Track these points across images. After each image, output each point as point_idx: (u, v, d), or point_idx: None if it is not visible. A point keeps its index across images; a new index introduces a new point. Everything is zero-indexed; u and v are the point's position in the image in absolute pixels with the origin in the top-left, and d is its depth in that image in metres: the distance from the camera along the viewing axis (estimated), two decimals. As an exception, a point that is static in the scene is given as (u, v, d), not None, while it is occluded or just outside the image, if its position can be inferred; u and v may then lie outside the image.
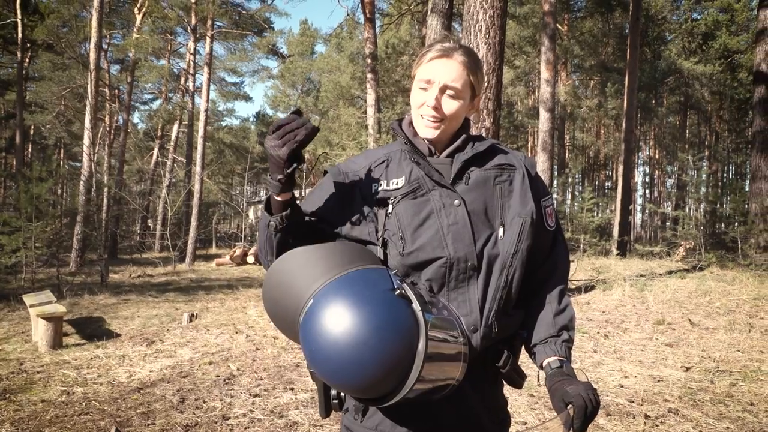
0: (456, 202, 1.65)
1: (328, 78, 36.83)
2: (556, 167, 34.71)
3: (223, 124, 48.62)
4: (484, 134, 7.26)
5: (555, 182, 29.03)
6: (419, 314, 1.45)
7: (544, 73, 16.84)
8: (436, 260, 1.63)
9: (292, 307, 1.52)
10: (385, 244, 1.67)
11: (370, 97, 21.11)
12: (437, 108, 1.69)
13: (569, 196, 39.87)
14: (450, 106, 1.70)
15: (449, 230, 1.63)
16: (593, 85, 36.49)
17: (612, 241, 20.27)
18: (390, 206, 1.67)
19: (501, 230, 1.66)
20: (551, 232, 1.79)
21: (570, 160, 40.69)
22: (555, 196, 29.99)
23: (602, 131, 42.53)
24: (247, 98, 41.28)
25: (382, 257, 1.67)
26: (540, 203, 1.76)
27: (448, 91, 1.70)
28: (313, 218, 1.75)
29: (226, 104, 44.56)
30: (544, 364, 1.68)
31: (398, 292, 1.46)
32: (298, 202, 1.75)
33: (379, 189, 1.70)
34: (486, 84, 7.33)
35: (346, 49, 34.30)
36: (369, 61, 21.36)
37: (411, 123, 1.80)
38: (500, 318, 1.65)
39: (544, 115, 16.64)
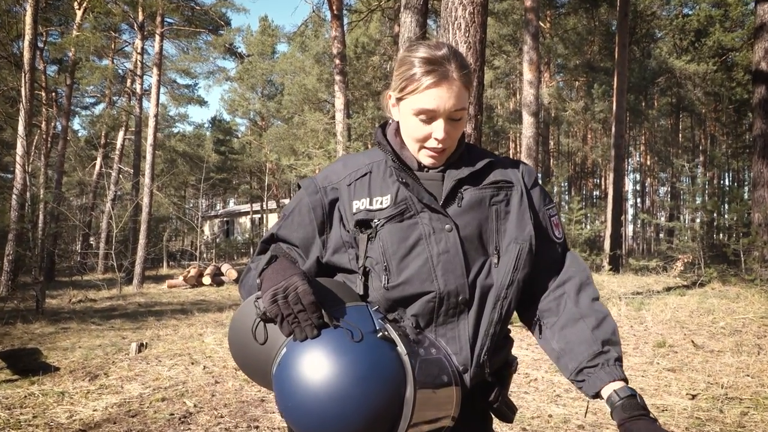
0: (447, 227, 1.63)
1: (292, 80, 36.84)
2: (540, 175, 35.04)
3: (175, 130, 48.48)
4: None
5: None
6: (405, 358, 1.45)
7: (527, 74, 16.99)
8: (424, 295, 1.61)
9: (263, 355, 1.51)
10: (366, 274, 1.66)
11: (339, 101, 21.12)
12: (445, 139, 1.65)
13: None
14: (457, 131, 1.68)
15: (439, 260, 1.61)
16: (579, 87, 37.04)
17: (603, 255, 20.48)
18: (373, 229, 1.65)
19: (496, 257, 1.66)
20: (559, 243, 1.78)
21: (555, 168, 41.23)
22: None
23: (589, 136, 43.16)
24: (202, 102, 41.11)
25: (361, 289, 1.66)
26: (544, 213, 1.77)
27: (454, 116, 1.65)
28: (291, 247, 1.75)
29: (177, 109, 44.17)
30: (606, 393, 1.59)
31: (381, 334, 1.46)
32: (273, 231, 1.80)
33: (361, 208, 1.68)
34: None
35: (311, 48, 34.32)
36: (337, 61, 21.38)
37: (397, 131, 1.78)
38: (491, 354, 1.66)
39: (527, 120, 16.77)
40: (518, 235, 1.67)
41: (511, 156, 40.65)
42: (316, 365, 1.39)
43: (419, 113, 1.64)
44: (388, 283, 1.62)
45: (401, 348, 1.45)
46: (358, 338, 1.43)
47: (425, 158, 1.70)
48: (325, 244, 1.72)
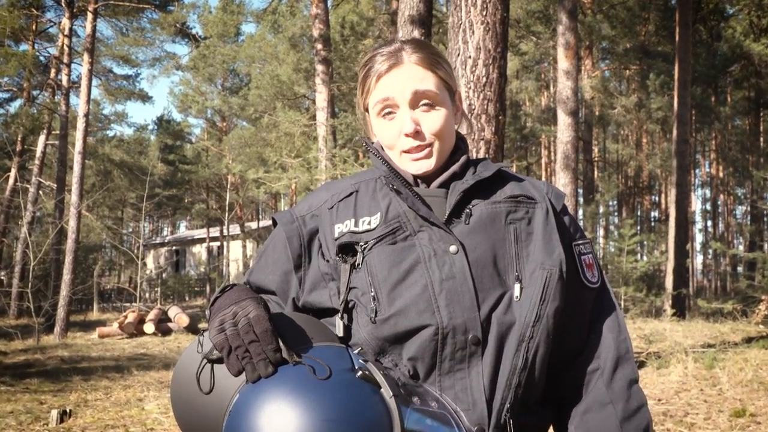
0: (452, 248, 1.65)
1: (262, 70, 36.99)
2: (581, 192, 35.11)
3: (111, 134, 48.65)
4: (482, 149, 7.25)
5: (581, 213, 29.31)
6: (391, 402, 1.44)
7: (563, 62, 17.09)
8: (423, 329, 1.61)
9: (213, 410, 1.50)
10: (349, 311, 1.69)
11: (321, 97, 21.23)
12: (418, 131, 1.73)
13: (601, 233, 40.30)
14: (431, 120, 1.75)
15: (442, 287, 1.62)
16: (630, 77, 37.24)
17: (665, 295, 20.48)
18: (359, 255, 1.69)
19: (517, 288, 1.66)
20: (593, 289, 1.79)
21: (601, 182, 41.23)
22: (582, 231, 30.27)
23: (645, 140, 43.40)
24: (146, 98, 41.21)
25: (341, 330, 1.68)
26: (572, 249, 1.78)
27: (422, 103, 1.75)
28: (268, 296, 1.81)
29: (115, 106, 44.30)
30: None
31: (360, 373, 1.47)
32: (246, 278, 1.87)
33: (345, 231, 1.72)
34: (485, 78, 7.35)
35: (285, 29, 34.41)
36: (318, 46, 21.52)
37: (383, 148, 1.85)
38: (519, 415, 1.63)
39: (564, 120, 16.85)
40: (545, 259, 1.68)
41: (542, 166, 40.81)
42: (272, 410, 1.38)
43: (380, 110, 1.76)
44: (376, 315, 1.63)
45: (386, 391, 1.45)
46: (324, 375, 1.43)
47: (410, 164, 1.76)
48: (301, 281, 1.76)
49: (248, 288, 1.67)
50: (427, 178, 1.78)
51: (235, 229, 45.25)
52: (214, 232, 47.69)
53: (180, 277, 45.57)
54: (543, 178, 43.12)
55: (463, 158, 1.78)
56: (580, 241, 1.81)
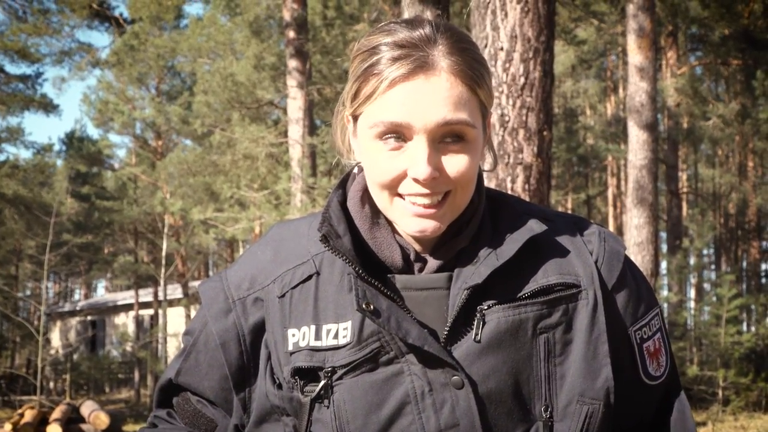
0: (456, 380, 1.62)
1: (211, 67, 37.02)
2: (664, 236, 35.05)
3: (1, 158, 48.55)
4: (520, 177, 7.26)
5: (662, 265, 29.22)
6: None
7: (635, 55, 17.20)
8: None
9: None
10: None
11: (295, 105, 21.33)
12: (436, 179, 1.63)
13: (691, 292, 40.25)
14: (457, 164, 1.64)
15: None
16: (730, 76, 37.35)
17: (780, 381, 20.35)
18: (324, 385, 1.66)
19: (542, 425, 1.65)
20: (657, 385, 1.78)
21: (691, 222, 41.28)
22: (664, 292, 30.20)
23: (750, 163, 43.42)
24: (50, 107, 41.31)
25: None
26: (630, 338, 1.75)
27: (449, 136, 1.64)
28: (203, 402, 1.82)
29: (6, 119, 44.34)
30: None
31: None
32: (170, 375, 1.86)
33: (302, 345, 1.69)
34: (523, 79, 7.39)
35: (245, 10, 34.61)
36: (291, 34, 21.68)
37: (365, 190, 1.78)
38: None
39: (637, 136, 16.92)
40: (586, 388, 1.65)
41: (609, 198, 40.75)
42: None
43: (381, 133, 1.64)
44: None
45: None
46: None
47: (408, 219, 1.67)
48: (246, 405, 1.74)
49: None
50: (418, 249, 1.73)
51: (175, 290, 44.93)
52: (146, 295, 47.52)
53: (97, 359, 45.36)
54: (610, 215, 43.09)
55: (473, 223, 1.73)
56: (642, 322, 1.76)
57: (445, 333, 1.62)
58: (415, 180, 1.61)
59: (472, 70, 1.64)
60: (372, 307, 1.61)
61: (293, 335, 1.67)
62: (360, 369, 1.62)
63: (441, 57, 1.61)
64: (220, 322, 1.73)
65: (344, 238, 1.69)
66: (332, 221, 1.73)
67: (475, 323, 1.63)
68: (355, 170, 1.83)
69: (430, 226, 1.64)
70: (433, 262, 1.70)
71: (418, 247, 1.73)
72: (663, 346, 1.78)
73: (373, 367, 1.62)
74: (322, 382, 1.63)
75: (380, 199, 1.69)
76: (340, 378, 1.62)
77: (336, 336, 1.64)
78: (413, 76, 1.59)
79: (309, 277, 1.71)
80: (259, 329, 1.72)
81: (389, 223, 1.73)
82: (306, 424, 1.64)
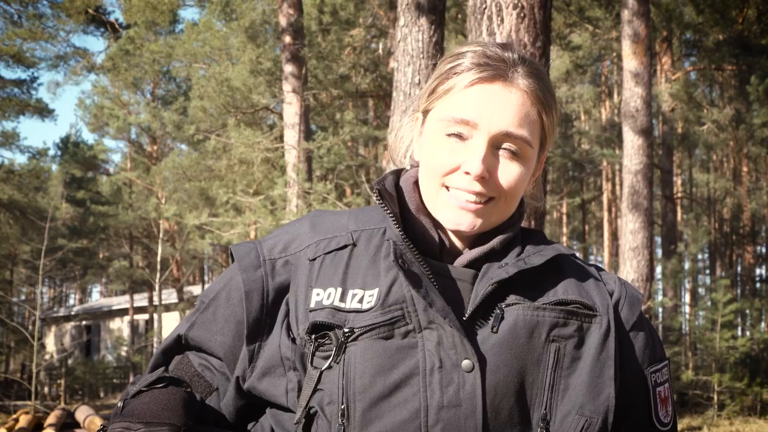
0: (466, 363, 1.63)
1: (207, 72, 36.99)
2: (659, 241, 35.04)
3: (-5, 163, 48.52)
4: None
5: (657, 270, 29.21)
6: None
7: (630, 61, 17.22)
8: None
9: None
10: (310, 420, 1.68)
11: (291, 110, 21.30)
12: (484, 178, 1.71)
13: (686, 297, 40.27)
14: (510, 174, 1.74)
15: (439, 418, 1.61)
16: (725, 81, 37.35)
17: (775, 386, 20.35)
18: (339, 344, 1.66)
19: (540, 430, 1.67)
20: None
21: (686, 227, 41.28)
22: (659, 297, 30.20)
23: (745, 169, 43.43)
24: (45, 111, 41.27)
25: None
26: (646, 379, 1.78)
27: (507, 145, 1.72)
28: (208, 362, 1.82)
29: (2, 124, 44.28)
30: None
31: None
32: (181, 331, 1.86)
33: (325, 303, 1.70)
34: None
35: (241, 15, 34.58)
36: (287, 39, 21.66)
37: (417, 184, 1.84)
38: None
39: (632, 141, 16.94)
40: (586, 403, 1.66)
41: (603, 203, 40.76)
42: None
43: (450, 124, 1.74)
44: None
45: None
46: None
47: (449, 210, 1.75)
48: (253, 357, 1.74)
49: (186, 401, 1.65)
50: (452, 245, 1.78)
51: (170, 295, 44.91)
52: (141, 300, 47.46)
53: (92, 363, 45.14)
54: (605, 220, 43.10)
55: (510, 231, 1.78)
56: (657, 366, 1.79)
57: (465, 319, 1.65)
58: (467, 174, 1.69)
59: (545, 97, 1.75)
60: (406, 266, 1.66)
61: (317, 294, 1.69)
62: (377, 332, 1.65)
63: (520, 77, 1.73)
64: (248, 273, 1.75)
65: (395, 207, 1.76)
66: (386, 184, 1.81)
67: (494, 316, 1.67)
68: (408, 166, 1.90)
69: (466, 220, 1.72)
70: (464, 257, 1.74)
71: (456, 242, 1.78)
72: (670, 397, 1.81)
73: (390, 336, 1.65)
74: (339, 341, 1.64)
75: (429, 188, 1.77)
76: (356, 339, 1.64)
77: (361, 301, 1.67)
78: (492, 81, 1.72)
79: (344, 247, 1.75)
80: (284, 290, 1.74)
81: (431, 214, 1.78)
82: (315, 379, 1.65)
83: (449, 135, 1.72)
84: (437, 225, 1.78)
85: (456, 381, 1.61)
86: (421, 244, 1.75)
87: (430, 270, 1.68)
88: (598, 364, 1.68)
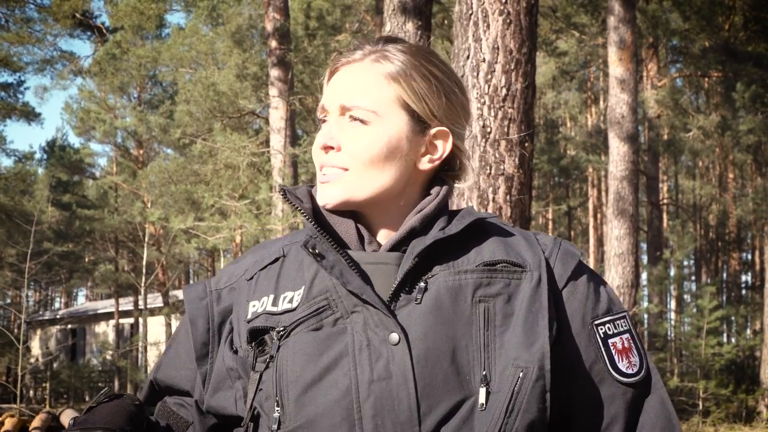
0: (393, 336, 1.64)
1: (193, 77, 36.99)
2: (644, 247, 35.11)
3: (-18, 165, 48.35)
4: (501, 188, 7.26)
5: (643, 276, 29.27)
6: None
7: (616, 67, 17.26)
8: None
9: None
10: (256, 420, 1.71)
11: (276, 114, 21.31)
12: (330, 148, 1.79)
13: (671, 303, 40.34)
14: (355, 141, 1.77)
15: (370, 392, 1.62)
16: (711, 88, 37.47)
17: (759, 392, 20.43)
18: (273, 344, 1.70)
19: (483, 393, 1.64)
20: (627, 385, 1.75)
21: (671, 233, 41.37)
22: (645, 303, 30.23)
23: (730, 175, 43.57)
24: (32, 115, 41.22)
25: None
26: (592, 331, 1.77)
27: (350, 115, 1.79)
28: (182, 399, 1.86)
29: (-14, 127, 44.20)
30: None
31: None
32: (151, 376, 1.92)
33: (259, 311, 1.75)
34: (505, 90, 7.38)
35: (227, 21, 34.61)
36: (273, 44, 21.66)
37: None
38: None
39: (618, 148, 16.97)
40: (520, 354, 1.65)
41: (589, 210, 40.82)
42: None
43: (319, 114, 1.88)
44: (279, 428, 1.64)
45: None
46: None
47: (318, 190, 1.82)
48: (205, 379, 1.78)
49: (125, 405, 1.69)
50: (378, 238, 1.80)
51: (155, 299, 44.84)
52: (126, 304, 47.40)
53: (78, 367, 45.15)
54: (590, 226, 43.15)
55: (428, 208, 1.78)
56: (606, 318, 1.78)
57: (390, 295, 1.67)
58: (317, 146, 1.81)
59: (399, 64, 1.79)
60: (317, 250, 1.71)
61: (253, 305, 1.76)
62: (305, 325, 1.69)
63: (364, 53, 1.83)
64: (194, 304, 1.81)
65: (305, 203, 1.81)
66: (296, 192, 1.85)
67: (416, 289, 1.69)
68: None
69: (324, 193, 1.77)
70: (387, 243, 1.77)
71: (382, 234, 1.82)
72: (634, 347, 1.78)
73: (319, 327, 1.68)
74: (273, 342, 1.68)
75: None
76: (287, 336, 1.67)
77: (291, 301, 1.72)
78: (340, 68, 1.85)
79: (276, 260, 1.83)
80: (227, 312, 1.80)
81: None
82: (257, 382, 1.68)
83: (319, 122, 1.85)
84: (356, 218, 1.81)
85: (385, 355, 1.62)
86: (343, 234, 1.78)
87: (348, 258, 1.71)
88: (530, 315, 1.68)
